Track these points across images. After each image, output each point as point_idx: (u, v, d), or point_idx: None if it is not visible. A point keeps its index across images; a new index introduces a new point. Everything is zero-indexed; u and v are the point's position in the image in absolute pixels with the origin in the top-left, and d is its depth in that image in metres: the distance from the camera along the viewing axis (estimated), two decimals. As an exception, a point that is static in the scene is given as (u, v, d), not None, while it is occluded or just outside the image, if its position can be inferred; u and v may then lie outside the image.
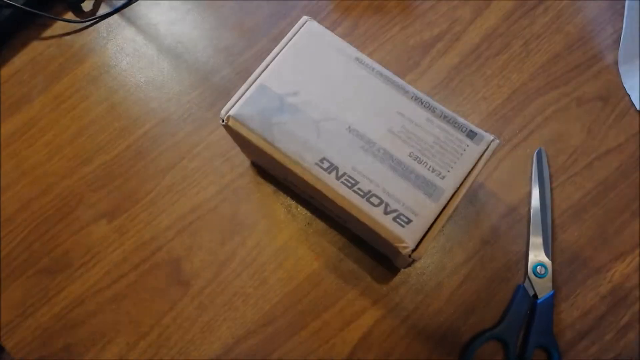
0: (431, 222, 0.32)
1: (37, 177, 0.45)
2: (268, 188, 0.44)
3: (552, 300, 0.40)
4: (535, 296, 0.40)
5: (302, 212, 0.43)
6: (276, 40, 0.47)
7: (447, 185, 0.33)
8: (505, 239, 0.42)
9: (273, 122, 0.34)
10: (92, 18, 0.48)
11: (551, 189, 0.43)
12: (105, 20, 0.49)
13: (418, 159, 0.33)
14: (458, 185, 0.33)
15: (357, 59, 0.35)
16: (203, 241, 0.43)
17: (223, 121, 0.35)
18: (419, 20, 0.47)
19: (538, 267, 0.40)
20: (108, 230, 0.43)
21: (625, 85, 0.44)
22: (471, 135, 0.34)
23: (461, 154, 0.33)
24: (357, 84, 0.35)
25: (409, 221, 0.32)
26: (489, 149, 0.33)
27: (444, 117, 0.34)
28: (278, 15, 0.48)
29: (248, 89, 0.35)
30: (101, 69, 0.47)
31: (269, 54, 0.36)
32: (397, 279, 0.41)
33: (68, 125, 0.46)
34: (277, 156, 0.34)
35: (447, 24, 0.47)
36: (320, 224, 0.43)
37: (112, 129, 0.46)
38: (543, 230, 0.41)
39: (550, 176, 0.43)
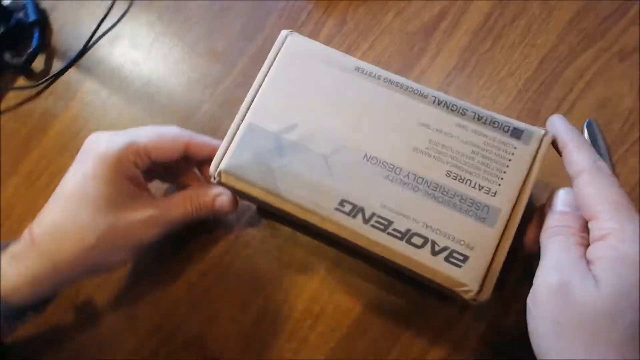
0: (492, 252, 0.26)
1: (23, 272, 0.39)
2: (282, 232, 0.38)
3: None
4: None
5: (327, 251, 0.37)
6: (255, 57, 0.41)
7: (502, 202, 0.26)
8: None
9: (273, 168, 0.28)
10: (46, 79, 0.42)
11: (612, 165, 0.36)
12: (61, 77, 0.43)
13: (458, 177, 0.27)
14: (515, 200, 0.26)
15: (357, 68, 0.29)
16: (223, 309, 0.37)
17: (215, 178, 0.29)
18: (414, 1, 0.40)
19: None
20: (115, 318, 0.38)
21: (673, 25, 0.37)
22: (516, 133, 0.27)
23: (510, 160, 0.27)
24: (363, 100, 0.28)
25: (465, 258, 0.26)
26: (542, 147, 0.27)
27: (478, 119, 0.27)
28: (252, 28, 0.42)
29: (236, 132, 0.29)
30: (68, 134, 0.41)
31: (251, 78, 0.30)
32: (454, 307, 0.35)
33: (45, 205, 0.40)
34: (287, 207, 0.28)
35: (448, -2, 0.40)
36: (350, 261, 0.37)
37: (96, 199, 0.40)
38: (613, 217, 0.35)
39: (608, 149, 0.36)
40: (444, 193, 0.26)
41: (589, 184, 0.24)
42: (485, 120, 0.27)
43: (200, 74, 0.41)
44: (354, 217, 0.27)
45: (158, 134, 0.31)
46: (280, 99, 0.29)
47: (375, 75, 0.29)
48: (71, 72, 0.43)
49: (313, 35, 0.41)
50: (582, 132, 0.36)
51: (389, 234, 0.26)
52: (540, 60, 0.38)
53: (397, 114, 0.28)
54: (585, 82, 0.37)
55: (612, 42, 0.38)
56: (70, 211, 0.29)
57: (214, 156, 0.29)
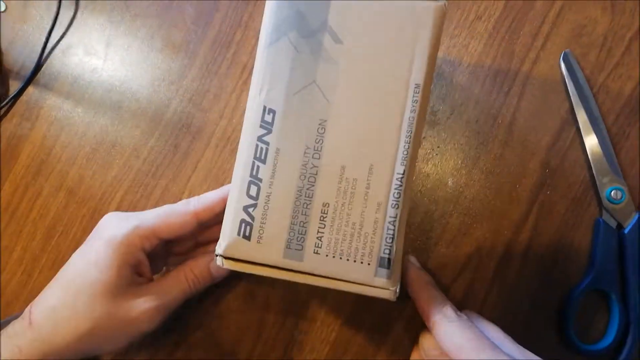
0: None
1: (25, 302, 0.39)
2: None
3: (640, 224, 0.33)
4: (619, 226, 0.34)
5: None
6: (216, 42, 0.39)
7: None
8: (561, 173, 0.35)
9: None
10: (5, 102, 0.40)
11: (594, 95, 0.35)
12: (20, 98, 0.41)
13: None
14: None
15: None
16: (230, 303, 0.37)
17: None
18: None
19: (612, 192, 0.34)
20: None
21: (639, -63, 0.36)
22: None
23: None
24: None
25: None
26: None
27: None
28: (206, 12, 0.40)
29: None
30: (41, 154, 0.40)
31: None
32: (460, 263, 0.35)
33: (32, 232, 0.39)
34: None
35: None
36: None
37: (82, 217, 0.39)
38: (602, 146, 0.34)
39: (588, 80, 0.35)
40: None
41: (444, 334, 0.26)
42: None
43: (162, 70, 0.40)
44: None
45: (166, 213, 0.31)
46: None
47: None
48: (30, 90, 0.41)
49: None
50: (560, 66, 0.35)
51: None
52: (507, -2, 0.37)
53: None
54: (556, 11, 0.36)
55: (579, -34, 0.36)
56: (68, 297, 0.29)
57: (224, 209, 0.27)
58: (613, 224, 0.33)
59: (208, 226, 0.33)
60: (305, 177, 0.26)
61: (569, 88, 0.35)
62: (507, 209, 0.35)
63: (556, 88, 0.35)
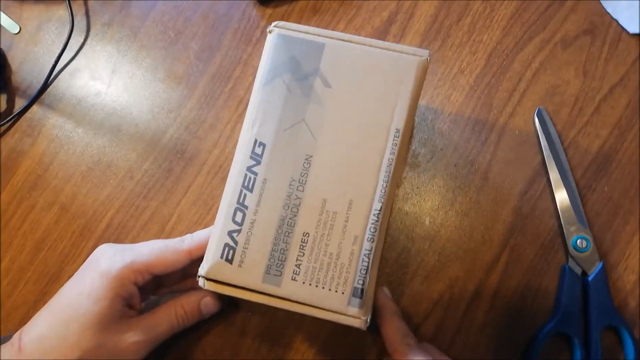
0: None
1: (7, 314, 0.39)
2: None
3: (603, 273, 0.35)
4: (584, 273, 0.35)
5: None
6: (216, 77, 0.42)
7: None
8: (531, 221, 0.37)
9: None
10: (10, 118, 0.42)
11: (564, 149, 0.38)
12: (24, 115, 0.43)
13: None
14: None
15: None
16: (209, 325, 0.38)
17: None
18: (363, 8, 0.41)
19: (578, 241, 0.36)
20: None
21: (608, 11, 0.39)
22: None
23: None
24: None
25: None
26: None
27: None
28: (208, 49, 0.42)
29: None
30: (38, 169, 0.42)
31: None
32: (433, 300, 0.37)
33: (22, 244, 0.41)
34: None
35: (395, 3, 0.41)
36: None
37: (71, 233, 0.40)
38: (570, 198, 0.36)
39: (559, 135, 0.38)
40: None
41: None
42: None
43: (162, 99, 0.42)
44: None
45: (160, 250, 0.32)
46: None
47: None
48: (34, 108, 0.43)
49: (269, 50, 0.42)
50: (534, 121, 0.38)
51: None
52: (488, 56, 0.40)
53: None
54: (533, 71, 0.39)
55: (554, 32, 0.40)
56: (59, 326, 0.30)
57: None
58: (578, 270, 0.35)
59: (199, 259, 0.34)
60: (288, 207, 0.28)
61: (541, 142, 0.37)
62: (480, 251, 0.37)
63: (530, 140, 0.38)
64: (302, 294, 0.27)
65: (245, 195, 0.28)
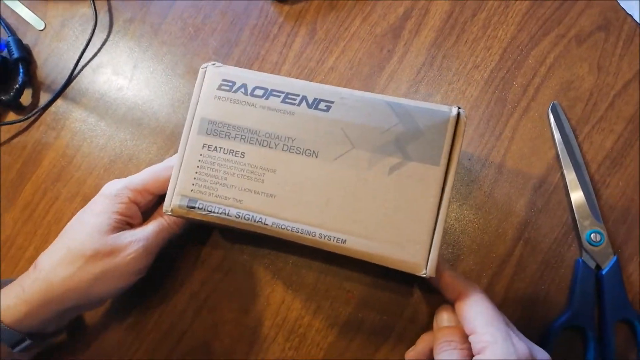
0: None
1: (30, 299, 0.41)
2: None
3: (617, 267, 0.35)
4: (598, 267, 0.36)
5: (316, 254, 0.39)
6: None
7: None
8: (546, 215, 0.37)
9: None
10: (35, 111, 0.44)
11: (579, 144, 0.38)
12: (49, 109, 0.44)
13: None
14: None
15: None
16: (225, 314, 0.39)
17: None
18: (378, 4, 0.42)
19: (592, 235, 0.36)
20: (121, 332, 0.39)
21: (623, 6, 0.39)
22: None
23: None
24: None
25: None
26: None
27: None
28: (227, 46, 0.43)
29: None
30: (62, 161, 0.43)
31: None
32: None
33: (46, 233, 0.42)
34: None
35: (411, -1, 0.42)
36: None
37: (93, 223, 0.42)
38: (584, 193, 0.37)
39: (574, 130, 0.38)
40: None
41: (466, 304, 0.29)
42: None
43: (183, 93, 0.43)
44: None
45: (152, 171, 0.35)
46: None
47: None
48: (58, 102, 0.44)
49: (287, 46, 0.43)
50: (548, 116, 0.38)
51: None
52: (503, 51, 0.40)
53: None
54: (547, 67, 0.40)
55: (569, 27, 0.40)
56: (66, 239, 0.33)
57: None
58: (592, 264, 0.36)
59: None
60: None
61: (555, 137, 0.38)
62: (494, 244, 0.37)
63: (544, 135, 0.38)
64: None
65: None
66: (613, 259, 0.35)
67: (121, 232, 0.33)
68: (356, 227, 0.28)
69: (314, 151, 0.29)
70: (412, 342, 0.35)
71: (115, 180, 0.35)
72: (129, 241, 0.32)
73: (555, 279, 0.36)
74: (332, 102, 0.29)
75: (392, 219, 0.28)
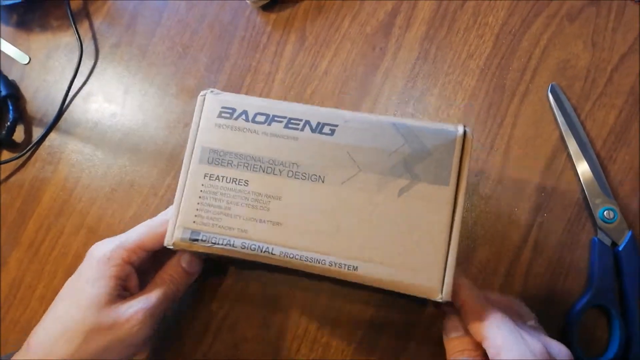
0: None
1: (47, 338, 0.40)
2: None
3: (633, 241, 0.35)
4: (614, 244, 0.36)
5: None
6: (227, 85, 0.42)
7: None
8: (557, 197, 0.37)
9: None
10: (29, 147, 0.43)
11: (581, 122, 0.38)
12: (43, 143, 0.43)
13: None
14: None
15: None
16: (245, 331, 0.38)
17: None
18: (366, 2, 0.42)
19: (605, 212, 0.36)
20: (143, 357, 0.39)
21: (611, -21, 0.39)
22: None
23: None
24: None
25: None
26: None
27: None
28: (217, 61, 0.43)
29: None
30: (62, 195, 0.42)
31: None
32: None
33: (54, 270, 0.41)
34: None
35: (397, -6, 0.41)
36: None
37: (102, 254, 0.41)
38: (592, 170, 0.36)
39: (575, 109, 0.38)
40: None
41: (472, 312, 0.28)
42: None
43: (178, 114, 0.43)
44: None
45: (148, 227, 0.32)
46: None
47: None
48: (52, 136, 0.44)
49: (278, 55, 0.42)
50: (548, 98, 0.38)
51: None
52: (495, 38, 0.40)
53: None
54: (542, 49, 0.39)
55: (559, 6, 0.40)
56: (61, 313, 0.31)
57: None
58: (608, 242, 0.35)
59: None
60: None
61: (557, 117, 0.38)
62: (508, 232, 0.37)
63: (546, 117, 0.38)
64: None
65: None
66: (628, 234, 0.35)
67: (122, 302, 0.31)
68: (367, 253, 0.27)
69: (320, 176, 0.28)
70: (438, 340, 0.35)
71: (105, 240, 0.33)
72: (133, 311, 0.30)
73: (573, 260, 0.36)
74: (336, 126, 0.28)
75: (404, 242, 0.27)
